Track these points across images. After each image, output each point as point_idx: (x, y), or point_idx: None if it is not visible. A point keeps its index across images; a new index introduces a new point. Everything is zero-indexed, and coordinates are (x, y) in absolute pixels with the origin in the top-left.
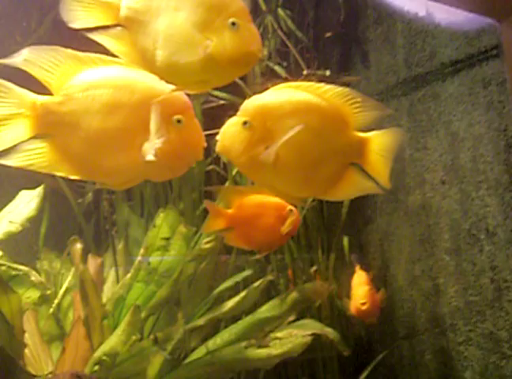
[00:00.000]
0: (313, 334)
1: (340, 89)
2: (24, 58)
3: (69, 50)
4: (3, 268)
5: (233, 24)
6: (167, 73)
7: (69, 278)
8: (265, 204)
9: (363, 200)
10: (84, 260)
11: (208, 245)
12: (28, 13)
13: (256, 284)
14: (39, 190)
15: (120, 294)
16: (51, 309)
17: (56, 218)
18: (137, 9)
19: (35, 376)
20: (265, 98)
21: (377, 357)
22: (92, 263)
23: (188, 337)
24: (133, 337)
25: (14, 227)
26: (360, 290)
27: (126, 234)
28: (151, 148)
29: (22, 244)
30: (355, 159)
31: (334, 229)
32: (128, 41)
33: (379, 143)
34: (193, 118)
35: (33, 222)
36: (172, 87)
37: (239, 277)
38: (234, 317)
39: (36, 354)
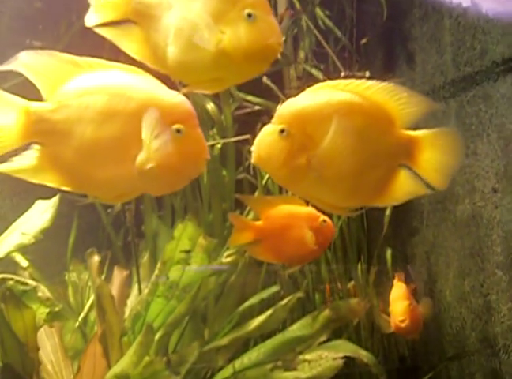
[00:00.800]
0: (345, 357)
1: (383, 85)
2: (20, 62)
3: (66, 55)
4: (11, 282)
5: (249, 15)
6: (179, 70)
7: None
8: (296, 214)
9: (408, 210)
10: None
11: (229, 259)
12: (57, 21)
13: (284, 302)
14: (55, 200)
15: (138, 310)
16: (77, 323)
17: (86, 228)
18: (149, 3)
19: None
20: (302, 101)
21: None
22: (118, 275)
23: (215, 355)
24: (147, 358)
25: (27, 239)
26: (399, 306)
27: (154, 245)
28: (148, 157)
29: (51, 255)
30: (405, 160)
31: (376, 241)
32: (139, 37)
33: (432, 142)
34: (195, 127)
35: (63, 232)
36: (175, 93)
37: (265, 293)
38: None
39: (59, 370)
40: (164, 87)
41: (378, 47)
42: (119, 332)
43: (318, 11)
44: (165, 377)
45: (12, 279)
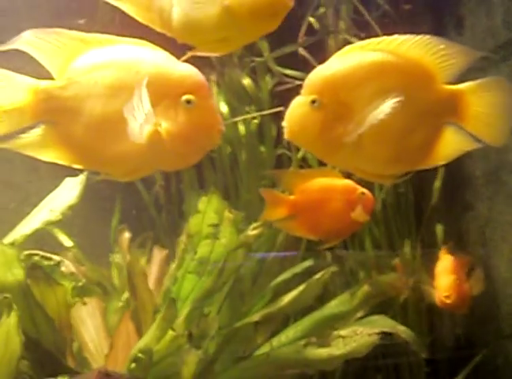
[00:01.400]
0: (382, 332)
1: (418, 39)
2: (26, 40)
3: (74, 32)
4: (36, 257)
5: None
6: (185, 32)
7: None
8: (332, 187)
9: (460, 183)
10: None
11: (255, 232)
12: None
13: (317, 276)
14: (82, 177)
15: (167, 286)
16: (120, 303)
17: (129, 209)
18: None
19: (73, 370)
20: (331, 67)
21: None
22: (158, 255)
23: (253, 333)
24: (170, 332)
25: (54, 216)
26: (444, 280)
27: None
28: (136, 129)
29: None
30: (451, 118)
31: (427, 215)
32: (145, 1)
33: (479, 94)
34: (207, 98)
35: (106, 213)
36: (185, 64)
37: (298, 268)
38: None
39: (100, 349)
40: (174, 59)
41: (424, 12)
42: (151, 309)
43: None
44: (187, 351)
45: (37, 254)
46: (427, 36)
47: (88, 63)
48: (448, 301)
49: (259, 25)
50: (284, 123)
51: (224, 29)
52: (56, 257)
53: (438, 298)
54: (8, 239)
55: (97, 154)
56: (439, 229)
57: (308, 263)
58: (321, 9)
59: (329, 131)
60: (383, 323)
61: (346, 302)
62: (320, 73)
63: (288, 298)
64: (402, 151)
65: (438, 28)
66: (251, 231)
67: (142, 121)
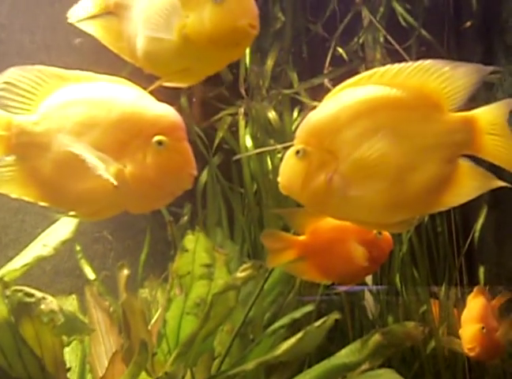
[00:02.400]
0: None
1: (415, 65)
2: (8, 76)
3: (55, 69)
4: (19, 294)
5: None
6: (147, 62)
7: (160, 308)
8: (346, 227)
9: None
10: None
11: (244, 274)
12: None
13: (317, 324)
14: None
15: (158, 328)
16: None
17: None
18: None
19: None
20: (317, 112)
21: None
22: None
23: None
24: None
25: (46, 251)
26: (468, 330)
27: None
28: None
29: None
30: (465, 149)
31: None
32: (116, 29)
33: (494, 118)
34: (182, 140)
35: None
36: (161, 104)
37: (298, 313)
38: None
39: None
40: (151, 98)
41: (476, 41)
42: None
43: (397, 6)
44: None
45: (21, 290)
46: (427, 61)
47: (61, 99)
48: (472, 353)
49: (220, 55)
50: (279, 177)
51: (185, 59)
52: (38, 294)
53: (464, 348)
54: None
55: (63, 192)
56: (481, 271)
57: (309, 308)
58: (355, 39)
59: (314, 181)
60: (387, 377)
61: (356, 352)
62: (306, 120)
63: (285, 345)
64: (404, 194)
65: (489, 56)
66: (240, 273)
67: (99, 166)
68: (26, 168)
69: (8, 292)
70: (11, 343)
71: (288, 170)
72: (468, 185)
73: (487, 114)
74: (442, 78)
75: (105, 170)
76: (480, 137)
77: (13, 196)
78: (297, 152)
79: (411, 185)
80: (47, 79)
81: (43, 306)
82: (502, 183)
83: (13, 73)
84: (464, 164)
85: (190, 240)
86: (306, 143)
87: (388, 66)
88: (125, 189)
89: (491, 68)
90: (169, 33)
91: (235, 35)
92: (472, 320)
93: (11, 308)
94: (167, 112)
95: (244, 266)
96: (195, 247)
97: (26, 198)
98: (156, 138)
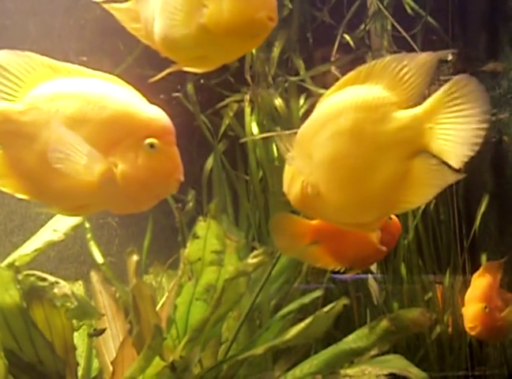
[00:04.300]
0: (391, 374)
1: (379, 63)
2: None
3: (45, 58)
4: (32, 278)
5: None
6: (165, 47)
7: (166, 294)
8: None
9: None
10: None
11: (255, 260)
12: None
13: (326, 309)
14: None
15: (168, 313)
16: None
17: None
18: None
19: None
20: (304, 124)
21: None
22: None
23: (271, 365)
24: (162, 363)
25: (57, 236)
26: (470, 310)
27: None
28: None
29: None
30: (417, 145)
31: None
32: (134, 10)
33: (437, 110)
34: (171, 144)
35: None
36: (154, 107)
37: (307, 299)
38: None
39: None
40: (144, 100)
41: (478, 29)
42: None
43: None
44: None
45: (33, 275)
46: (390, 57)
47: (52, 91)
48: (473, 332)
49: (237, 44)
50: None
51: (202, 48)
52: (51, 278)
53: (466, 326)
54: (8, 259)
55: (45, 186)
56: (483, 259)
57: (317, 293)
58: (361, 27)
59: (296, 185)
60: (396, 363)
61: (364, 337)
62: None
63: (294, 331)
64: (367, 194)
65: (492, 46)
66: (251, 260)
67: (87, 162)
68: (7, 157)
69: (20, 277)
70: (22, 327)
71: (285, 177)
72: (429, 182)
73: (429, 108)
74: (402, 74)
75: (93, 166)
76: (428, 133)
77: None
78: (290, 159)
79: (373, 184)
80: (36, 67)
81: (56, 290)
82: (461, 175)
83: (2, 56)
84: (423, 162)
85: (202, 227)
86: (294, 150)
87: (359, 68)
88: (111, 187)
89: (444, 53)
90: (187, 21)
91: (253, 26)
92: (475, 299)
93: (22, 293)
94: (159, 115)
95: (255, 252)
96: (206, 234)
97: (4, 189)
98: (149, 140)
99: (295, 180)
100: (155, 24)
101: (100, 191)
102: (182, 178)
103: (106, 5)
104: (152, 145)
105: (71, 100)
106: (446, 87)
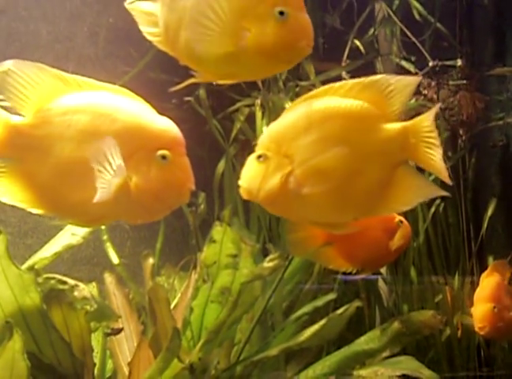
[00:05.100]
0: (403, 375)
1: (367, 81)
2: (5, 70)
3: (55, 70)
4: (52, 281)
5: (281, 13)
6: (190, 58)
7: (178, 295)
8: None
9: None
10: None
11: (271, 264)
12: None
13: (340, 311)
14: None
15: (184, 316)
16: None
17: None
18: None
19: None
20: (279, 121)
21: None
22: (194, 279)
23: (284, 365)
24: (180, 365)
25: (75, 240)
26: (479, 309)
27: None
28: (105, 184)
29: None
30: (403, 156)
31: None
32: (152, 13)
33: (423, 128)
34: (183, 155)
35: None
36: (164, 118)
37: (320, 301)
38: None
39: None
40: (154, 111)
41: (486, 34)
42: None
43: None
44: None
45: (53, 278)
46: (378, 76)
47: (64, 105)
48: (482, 332)
49: (272, 67)
50: (240, 181)
51: (235, 66)
52: (71, 281)
53: (476, 326)
54: (28, 262)
55: (60, 199)
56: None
57: (331, 296)
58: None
59: (272, 183)
60: (408, 364)
61: (376, 339)
62: (269, 128)
63: (308, 332)
64: (350, 197)
65: (500, 51)
66: (267, 263)
67: (112, 177)
68: (21, 172)
69: (40, 280)
70: (42, 329)
71: (249, 173)
72: (410, 192)
73: (418, 124)
74: (388, 91)
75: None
76: (414, 146)
77: (3, 200)
78: (259, 157)
79: (356, 188)
80: (45, 78)
81: (76, 293)
82: (443, 193)
83: (12, 66)
84: (408, 173)
85: (218, 231)
86: (267, 149)
87: (343, 82)
88: (126, 199)
89: (419, 79)
90: (224, 41)
91: (293, 53)
92: (484, 299)
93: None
94: (170, 127)
95: (271, 256)
96: (222, 238)
97: (19, 204)
98: (161, 152)
99: (270, 177)
100: (181, 33)
101: (115, 203)
102: (193, 188)
103: (128, 6)
104: (164, 157)
105: (82, 114)
106: (433, 111)
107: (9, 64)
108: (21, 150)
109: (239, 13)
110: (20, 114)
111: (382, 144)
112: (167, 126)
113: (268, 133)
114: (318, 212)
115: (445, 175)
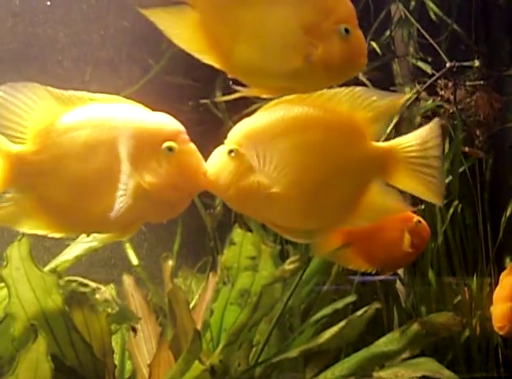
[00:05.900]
0: (423, 377)
1: (347, 92)
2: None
3: (50, 88)
4: (74, 284)
5: (346, 30)
6: (245, 72)
7: (195, 297)
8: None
9: None
10: None
11: (292, 266)
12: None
13: (359, 313)
14: None
15: (204, 318)
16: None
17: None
18: None
19: None
20: (254, 120)
21: None
22: (212, 281)
23: (302, 367)
24: (201, 367)
25: (96, 243)
26: (498, 309)
27: None
28: (122, 194)
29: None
30: (378, 176)
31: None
32: (194, 24)
33: (405, 150)
34: (187, 142)
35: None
36: (158, 113)
37: (340, 303)
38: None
39: None
40: (148, 110)
41: (502, 34)
42: (189, 339)
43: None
44: None
45: (75, 280)
46: (358, 88)
47: (62, 124)
48: (501, 332)
49: (330, 82)
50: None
51: (296, 81)
52: (92, 284)
53: (494, 325)
54: (50, 265)
55: (81, 217)
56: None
57: (351, 298)
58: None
59: (242, 181)
60: (428, 366)
61: (395, 341)
62: (243, 125)
63: (327, 334)
64: (319, 206)
65: None
66: (288, 266)
67: (123, 183)
68: (34, 198)
69: (61, 282)
70: (64, 331)
71: (218, 167)
72: (377, 208)
73: (401, 146)
74: (370, 107)
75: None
76: (393, 167)
77: (25, 230)
78: (230, 151)
79: (326, 199)
80: (39, 101)
81: (97, 296)
82: (410, 208)
83: (5, 95)
84: (379, 189)
85: (238, 234)
86: (239, 144)
87: (323, 91)
88: (145, 200)
89: (403, 98)
90: (289, 56)
91: (354, 69)
92: (503, 298)
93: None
94: (165, 119)
95: (291, 258)
96: (242, 240)
97: (41, 231)
98: (166, 145)
99: (243, 175)
100: (235, 47)
101: (137, 207)
102: (206, 170)
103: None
104: (170, 148)
105: (81, 129)
106: (418, 133)
107: (3, 89)
108: (29, 178)
109: (305, 28)
110: (18, 141)
111: (360, 162)
112: (163, 119)
113: (241, 129)
114: (284, 217)
115: (430, 197)
